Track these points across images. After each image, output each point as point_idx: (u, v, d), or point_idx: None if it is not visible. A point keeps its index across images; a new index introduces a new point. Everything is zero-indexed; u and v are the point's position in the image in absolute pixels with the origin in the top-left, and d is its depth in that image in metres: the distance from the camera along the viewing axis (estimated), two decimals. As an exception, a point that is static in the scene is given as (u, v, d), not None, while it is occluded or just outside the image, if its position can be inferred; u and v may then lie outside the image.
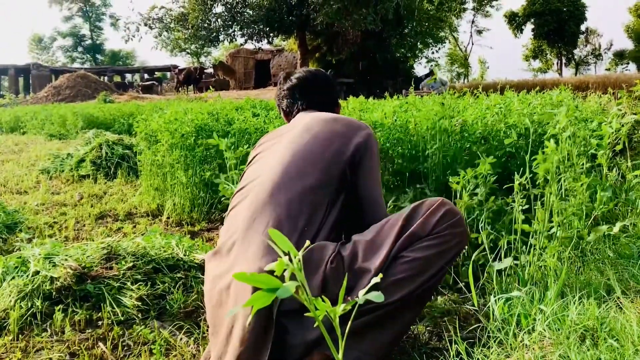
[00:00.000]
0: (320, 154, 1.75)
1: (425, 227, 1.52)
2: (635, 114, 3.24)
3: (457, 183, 2.36)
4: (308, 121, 1.91)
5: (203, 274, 2.44)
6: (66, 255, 2.35)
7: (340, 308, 0.77)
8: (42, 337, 1.95)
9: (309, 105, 2.10)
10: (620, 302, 1.50)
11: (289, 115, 2.14)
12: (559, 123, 2.23)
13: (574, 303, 1.44)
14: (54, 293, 2.14)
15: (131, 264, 2.36)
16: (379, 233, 1.56)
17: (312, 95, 2.12)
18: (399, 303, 1.48)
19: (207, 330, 1.68)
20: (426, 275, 1.50)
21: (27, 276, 2.20)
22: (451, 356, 1.47)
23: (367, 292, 0.81)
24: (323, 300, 0.77)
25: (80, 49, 66.35)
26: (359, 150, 1.77)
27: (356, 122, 1.88)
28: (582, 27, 47.74)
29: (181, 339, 1.93)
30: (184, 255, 2.58)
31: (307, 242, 0.93)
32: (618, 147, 2.56)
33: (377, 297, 0.77)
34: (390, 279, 1.47)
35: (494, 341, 1.43)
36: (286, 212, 1.61)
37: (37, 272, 2.22)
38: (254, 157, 1.97)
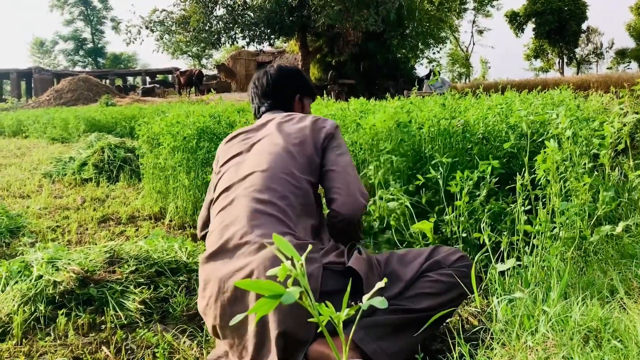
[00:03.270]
0: (297, 156, 1.85)
1: (447, 260, 1.75)
2: (637, 113, 3.24)
3: (456, 185, 2.36)
4: (274, 126, 1.97)
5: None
6: (69, 259, 2.35)
7: (344, 313, 0.77)
8: (45, 341, 1.95)
9: (271, 105, 2.15)
10: (624, 303, 1.49)
11: (255, 116, 2.21)
12: (560, 123, 2.23)
13: (577, 304, 1.44)
14: (57, 297, 2.14)
15: (134, 268, 2.36)
16: (409, 252, 1.81)
17: (271, 95, 2.16)
18: (424, 313, 1.62)
19: (212, 332, 1.67)
20: (447, 297, 1.68)
21: (30, 280, 2.20)
22: (454, 358, 1.47)
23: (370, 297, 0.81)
24: (327, 306, 0.77)
25: (81, 52, 66.43)
26: (327, 137, 1.92)
27: (321, 118, 2.00)
28: (584, 26, 47.69)
29: (184, 342, 1.93)
30: (187, 258, 2.59)
31: (310, 247, 0.93)
32: (620, 147, 2.56)
33: (381, 302, 0.77)
34: (418, 291, 1.67)
35: (497, 343, 1.43)
36: (279, 209, 1.69)
37: (40, 277, 2.22)
38: (227, 160, 1.96)
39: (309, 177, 1.82)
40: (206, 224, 1.99)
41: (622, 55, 54.90)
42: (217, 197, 1.84)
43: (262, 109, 2.15)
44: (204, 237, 1.99)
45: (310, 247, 0.93)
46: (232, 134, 2.08)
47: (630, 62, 54.33)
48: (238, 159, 1.91)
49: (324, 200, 1.91)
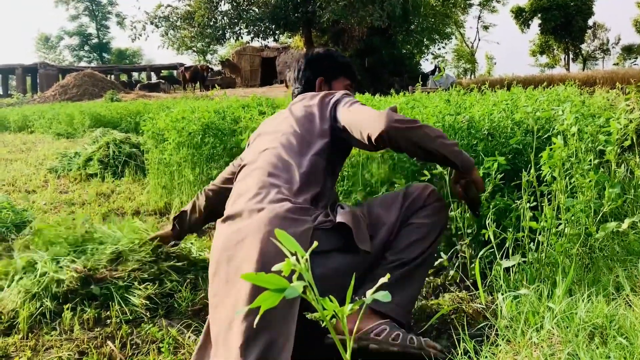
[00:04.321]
0: (310, 129, 1.93)
1: (422, 197, 1.87)
2: (643, 109, 3.21)
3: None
4: (289, 108, 2.10)
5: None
6: (73, 256, 2.35)
7: (348, 308, 0.77)
8: (51, 336, 1.96)
9: (300, 90, 2.26)
10: (630, 300, 1.49)
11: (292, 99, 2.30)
12: (566, 119, 2.22)
13: (583, 300, 1.43)
14: (60, 295, 2.15)
15: (138, 265, 2.36)
16: (385, 196, 1.96)
17: (299, 80, 2.27)
18: (419, 260, 1.79)
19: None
20: (433, 236, 1.84)
21: (35, 277, 2.21)
22: (459, 354, 1.47)
23: (374, 292, 0.81)
24: (331, 300, 0.77)
25: (87, 47, 66.56)
26: (336, 103, 1.97)
27: (332, 92, 2.05)
28: (590, 22, 47.39)
29: (189, 337, 1.94)
30: (196, 255, 2.59)
31: (315, 244, 0.93)
32: (626, 143, 2.54)
33: (384, 296, 0.77)
34: (407, 241, 1.80)
35: (502, 339, 1.43)
36: (284, 180, 1.78)
37: (45, 273, 2.23)
38: (254, 139, 2.14)
39: (316, 148, 1.88)
40: (213, 189, 2.39)
41: (628, 51, 54.60)
42: (239, 171, 2.00)
43: (295, 92, 2.28)
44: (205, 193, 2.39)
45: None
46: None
47: (637, 58, 54.06)
48: (258, 139, 2.07)
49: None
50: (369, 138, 1.76)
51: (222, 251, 1.67)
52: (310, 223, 1.65)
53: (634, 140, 2.61)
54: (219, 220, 1.82)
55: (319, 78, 2.24)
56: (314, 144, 1.89)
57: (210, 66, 34.45)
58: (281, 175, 1.79)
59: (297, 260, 0.77)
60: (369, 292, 0.83)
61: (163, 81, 35.19)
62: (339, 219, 1.69)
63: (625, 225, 1.91)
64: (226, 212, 1.80)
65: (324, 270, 1.60)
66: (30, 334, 1.98)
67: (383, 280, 0.90)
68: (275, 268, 0.77)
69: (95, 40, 66.47)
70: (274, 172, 1.80)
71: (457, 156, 1.80)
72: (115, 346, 1.88)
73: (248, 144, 2.22)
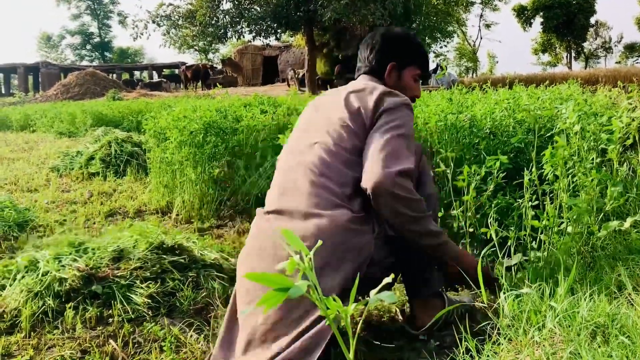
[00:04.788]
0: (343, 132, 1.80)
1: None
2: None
3: (463, 180, 2.36)
4: (344, 94, 1.89)
5: (216, 272, 2.45)
6: (75, 255, 2.36)
7: (352, 307, 0.77)
8: (53, 335, 1.96)
9: (367, 70, 2.05)
10: (632, 299, 1.49)
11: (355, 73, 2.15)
12: (568, 118, 2.22)
13: (585, 299, 1.43)
14: (63, 294, 2.15)
15: (139, 264, 2.36)
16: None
17: (368, 58, 2.05)
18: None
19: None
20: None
21: (37, 275, 2.21)
22: (461, 353, 1.47)
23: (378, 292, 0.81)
24: (334, 300, 0.77)
25: (88, 46, 66.67)
26: (382, 112, 1.78)
27: (389, 94, 1.83)
28: (592, 20, 47.33)
29: (191, 336, 1.94)
30: (199, 254, 2.59)
31: (320, 242, 0.93)
32: (628, 142, 2.54)
33: (389, 297, 0.77)
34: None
35: (504, 338, 1.43)
36: (336, 183, 1.71)
37: (47, 272, 2.23)
38: (305, 113, 2.04)
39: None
40: None
41: (631, 49, 54.50)
42: (286, 149, 1.93)
43: (360, 70, 2.08)
44: None
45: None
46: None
47: (639, 56, 53.93)
48: (310, 118, 1.96)
49: None
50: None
51: (265, 247, 1.68)
52: (371, 233, 1.66)
53: (637, 139, 2.60)
54: (260, 210, 1.81)
55: (391, 62, 2.02)
56: (359, 146, 1.77)
57: (213, 65, 34.41)
58: (333, 177, 1.71)
59: (302, 259, 0.77)
60: (372, 292, 0.83)
61: (165, 80, 35.23)
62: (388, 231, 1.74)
63: (627, 224, 1.91)
64: (272, 205, 1.76)
65: (381, 275, 1.55)
66: (32, 333, 1.98)
67: (387, 280, 0.90)
68: (279, 266, 0.77)
69: (97, 39, 66.57)
70: (326, 172, 1.71)
71: (459, 263, 1.80)
72: (117, 345, 1.89)
73: (300, 118, 2.04)
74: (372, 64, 2.03)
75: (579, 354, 1.20)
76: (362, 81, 1.99)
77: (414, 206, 1.64)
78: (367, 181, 1.63)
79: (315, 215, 1.63)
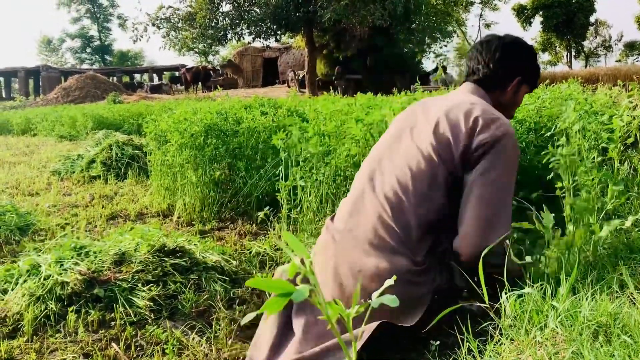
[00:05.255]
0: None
1: None
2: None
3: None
4: (442, 112, 1.76)
5: (218, 274, 2.46)
6: (77, 259, 2.36)
7: (354, 310, 0.77)
8: (55, 338, 1.96)
9: (482, 79, 1.88)
10: (634, 298, 1.48)
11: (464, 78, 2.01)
12: (568, 117, 2.22)
13: (587, 299, 1.43)
14: (65, 298, 2.15)
15: (141, 267, 2.37)
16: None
17: (488, 66, 1.87)
18: None
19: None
20: None
21: (40, 279, 2.22)
22: (463, 353, 1.47)
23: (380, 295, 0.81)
24: (336, 303, 0.77)
25: (88, 50, 66.73)
26: (478, 148, 1.66)
27: (488, 119, 1.68)
28: (592, 19, 47.29)
29: (193, 339, 1.94)
30: (200, 256, 2.59)
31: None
32: (629, 140, 2.54)
33: (392, 301, 0.77)
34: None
35: (506, 338, 1.43)
36: (403, 229, 1.68)
37: (49, 276, 2.24)
38: (397, 124, 1.93)
39: (444, 188, 1.68)
40: None
41: (631, 47, 54.44)
42: (371, 157, 1.88)
43: (470, 77, 1.91)
44: None
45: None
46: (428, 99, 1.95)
47: (639, 54, 53.88)
48: (400, 133, 1.85)
49: None
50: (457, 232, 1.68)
51: (328, 265, 1.72)
52: (429, 286, 1.66)
53: (637, 137, 2.60)
54: (329, 220, 1.85)
55: (518, 77, 1.88)
56: (443, 182, 1.68)
57: (215, 67, 34.41)
58: (401, 218, 1.66)
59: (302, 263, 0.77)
60: (374, 295, 0.83)
61: (166, 82, 35.23)
62: (457, 280, 1.70)
63: (629, 222, 1.90)
64: (340, 220, 1.79)
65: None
66: (34, 337, 1.98)
67: (389, 282, 0.90)
68: (278, 272, 0.78)
69: (97, 43, 66.62)
70: (395, 212, 1.66)
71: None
72: (119, 348, 1.89)
73: (395, 122, 1.94)
74: (492, 71, 1.87)
75: (581, 353, 1.20)
76: (463, 96, 1.85)
77: (499, 261, 1.63)
78: (462, 249, 1.65)
79: (374, 255, 1.65)
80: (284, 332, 1.71)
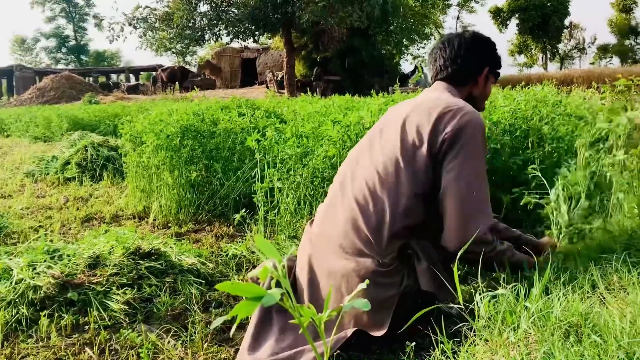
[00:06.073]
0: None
1: None
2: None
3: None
4: (409, 110, 1.82)
5: (194, 277, 2.44)
6: (50, 262, 2.32)
7: (326, 314, 0.77)
8: (27, 344, 1.93)
9: (449, 76, 1.93)
10: (604, 297, 1.51)
11: (431, 79, 2.04)
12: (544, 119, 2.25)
13: (559, 299, 1.45)
14: (37, 302, 2.12)
15: (116, 270, 2.34)
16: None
17: (455, 62, 1.92)
18: None
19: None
20: None
21: (11, 284, 2.18)
22: (437, 355, 1.48)
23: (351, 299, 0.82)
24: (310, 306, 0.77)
25: (64, 49, 65.89)
26: (443, 142, 1.70)
27: (452, 112, 1.73)
28: (566, 22, 48.05)
29: (168, 342, 1.93)
30: (176, 259, 2.57)
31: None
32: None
33: (364, 305, 0.78)
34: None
35: (480, 339, 1.44)
36: (373, 231, 1.74)
37: (21, 280, 2.20)
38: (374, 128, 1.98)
39: (419, 190, 1.72)
40: None
41: (604, 50, 55.41)
42: (348, 160, 1.94)
43: (439, 76, 1.95)
44: None
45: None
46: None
47: (612, 57, 54.88)
48: (372, 138, 1.91)
49: None
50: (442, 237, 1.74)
51: (307, 265, 1.82)
52: (397, 288, 1.69)
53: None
54: (308, 225, 1.94)
55: (486, 67, 1.94)
56: (415, 185, 1.71)
57: (188, 68, 34.17)
58: (369, 221, 1.71)
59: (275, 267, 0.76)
60: (346, 299, 0.84)
61: (142, 83, 34.90)
62: (423, 286, 1.72)
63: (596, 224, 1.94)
64: (316, 224, 1.90)
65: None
66: (5, 343, 1.95)
67: (362, 286, 0.91)
68: (251, 274, 0.77)
69: (73, 42, 65.81)
70: (364, 215, 1.72)
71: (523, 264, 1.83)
72: (93, 352, 1.86)
73: (374, 127, 1.97)
74: (460, 66, 1.91)
75: (552, 354, 1.22)
76: (432, 93, 1.90)
77: (488, 248, 1.73)
78: (448, 243, 1.71)
79: (344, 257, 1.71)
80: (265, 320, 1.78)
